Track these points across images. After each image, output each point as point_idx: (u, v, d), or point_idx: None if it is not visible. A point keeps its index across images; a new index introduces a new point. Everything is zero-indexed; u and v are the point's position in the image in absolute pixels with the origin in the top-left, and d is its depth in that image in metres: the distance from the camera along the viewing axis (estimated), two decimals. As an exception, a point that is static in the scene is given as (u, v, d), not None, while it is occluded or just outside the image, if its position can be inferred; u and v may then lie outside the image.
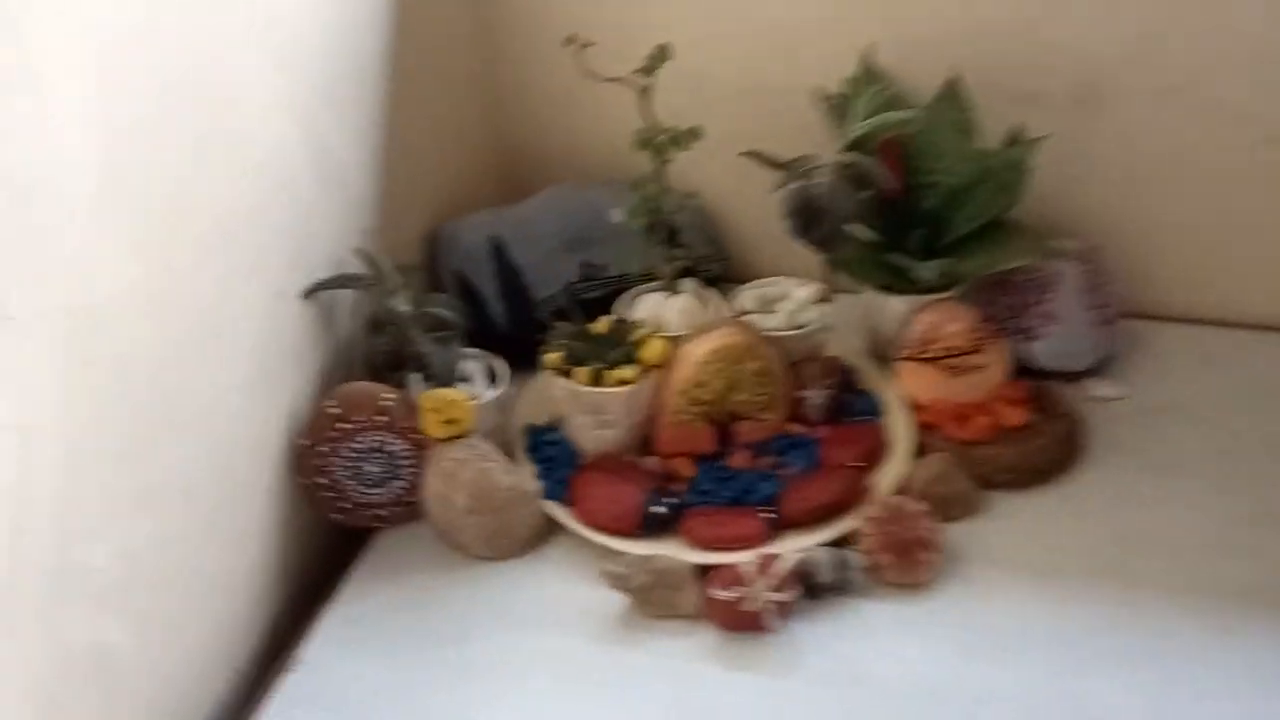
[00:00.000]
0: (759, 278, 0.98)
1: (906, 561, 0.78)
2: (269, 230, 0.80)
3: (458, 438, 0.80)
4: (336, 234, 0.89)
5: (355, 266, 0.89)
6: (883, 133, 0.88)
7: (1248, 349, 1.00)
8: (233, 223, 0.76)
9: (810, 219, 0.83)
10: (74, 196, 0.62)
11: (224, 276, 0.75)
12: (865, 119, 0.83)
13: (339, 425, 0.83)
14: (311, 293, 0.84)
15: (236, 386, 0.77)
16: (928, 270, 0.85)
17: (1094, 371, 0.98)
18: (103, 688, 0.66)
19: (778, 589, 0.75)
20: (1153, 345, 1.01)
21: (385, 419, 0.83)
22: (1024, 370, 0.95)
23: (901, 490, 0.85)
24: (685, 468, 0.88)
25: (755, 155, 0.92)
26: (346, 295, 0.90)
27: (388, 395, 0.83)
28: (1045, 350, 0.95)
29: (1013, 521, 0.84)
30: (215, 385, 0.75)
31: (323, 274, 0.86)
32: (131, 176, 0.66)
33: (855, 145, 0.84)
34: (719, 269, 1.10)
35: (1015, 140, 0.90)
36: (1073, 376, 0.97)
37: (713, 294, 0.97)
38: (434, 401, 0.79)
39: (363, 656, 0.77)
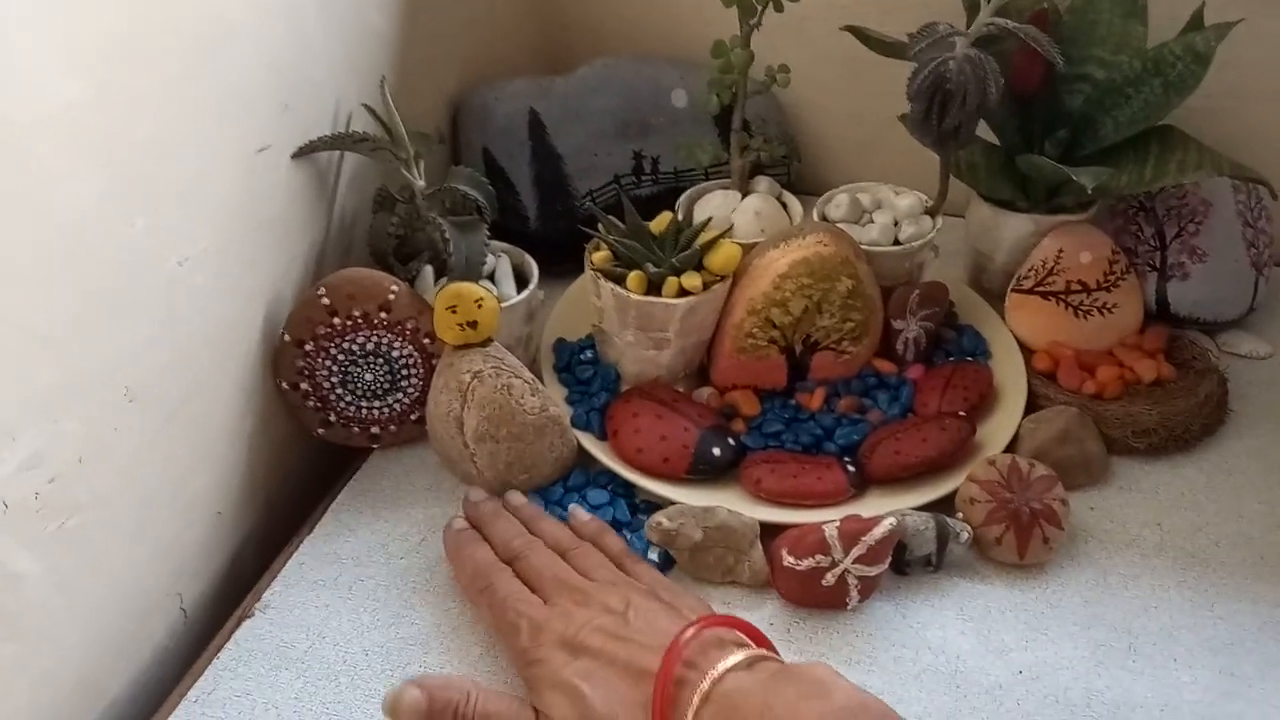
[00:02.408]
0: (833, 189, 0.80)
1: (1024, 537, 0.62)
2: (255, 66, 0.63)
3: (476, 345, 0.64)
4: (341, 82, 0.71)
5: (363, 126, 0.72)
6: (1031, 2, 0.70)
7: None
8: (207, 49, 0.59)
9: (940, 103, 0.66)
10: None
11: (190, 115, 0.58)
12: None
13: (330, 320, 0.67)
14: (305, 152, 0.68)
15: (200, 259, 0.60)
16: (1086, 176, 0.68)
17: (1237, 323, 0.81)
18: (7, 630, 0.52)
19: (866, 560, 0.60)
20: (1306, 298, 0.85)
21: (388, 316, 0.67)
22: (1160, 315, 0.79)
23: (1014, 449, 0.69)
24: (747, 404, 0.73)
25: (857, 32, 0.74)
26: (351, 161, 0.74)
27: (394, 287, 0.67)
28: (1186, 293, 0.79)
29: (1147, 495, 0.69)
30: (172, 254, 0.58)
31: (321, 131, 0.69)
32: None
33: (1000, 13, 0.66)
34: (791, 173, 0.93)
35: (1197, 24, 0.72)
36: (1213, 327, 0.81)
37: (793, 199, 0.81)
38: (451, 298, 0.63)
39: (340, 604, 0.62)
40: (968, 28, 0.67)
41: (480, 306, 0.63)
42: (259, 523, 0.70)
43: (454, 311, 0.63)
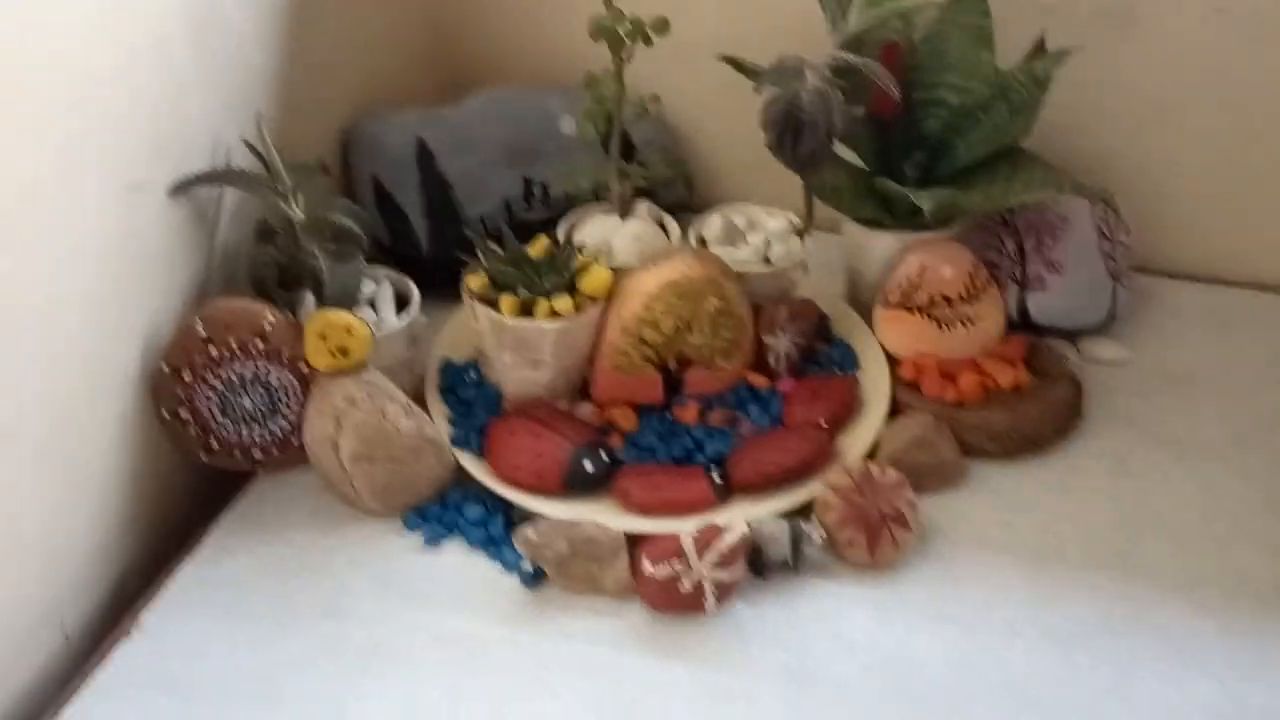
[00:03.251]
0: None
1: (874, 539, 0.66)
2: (124, 107, 0.65)
3: (349, 371, 0.67)
4: (219, 117, 0.74)
5: (244, 161, 0.74)
6: (884, 34, 0.74)
7: (1271, 314, 0.88)
8: (72, 93, 0.61)
9: (793, 131, 0.70)
10: None
11: (56, 157, 0.60)
12: (867, 8, 0.69)
13: (207, 350, 0.69)
14: (181, 189, 0.70)
15: (75, 297, 0.62)
16: (926, 199, 0.72)
17: (1098, 330, 0.86)
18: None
19: (721, 566, 0.63)
20: (1165, 305, 0.89)
21: (265, 345, 0.69)
22: (1020, 324, 0.83)
23: (874, 456, 0.72)
24: (625, 419, 0.76)
25: (733, 62, 0.78)
26: (232, 195, 0.76)
27: (269, 317, 0.69)
28: (1046, 303, 0.83)
29: (999, 496, 0.73)
30: (45, 293, 0.60)
31: (198, 167, 0.71)
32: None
33: (851, 46, 0.70)
34: (681, 195, 0.97)
35: (1038, 53, 0.76)
36: (1074, 334, 0.85)
37: (672, 221, 0.84)
38: (320, 325, 0.65)
39: (217, 626, 0.64)
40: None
41: (350, 333, 0.66)
42: (145, 548, 0.71)
43: (324, 339, 0.65)
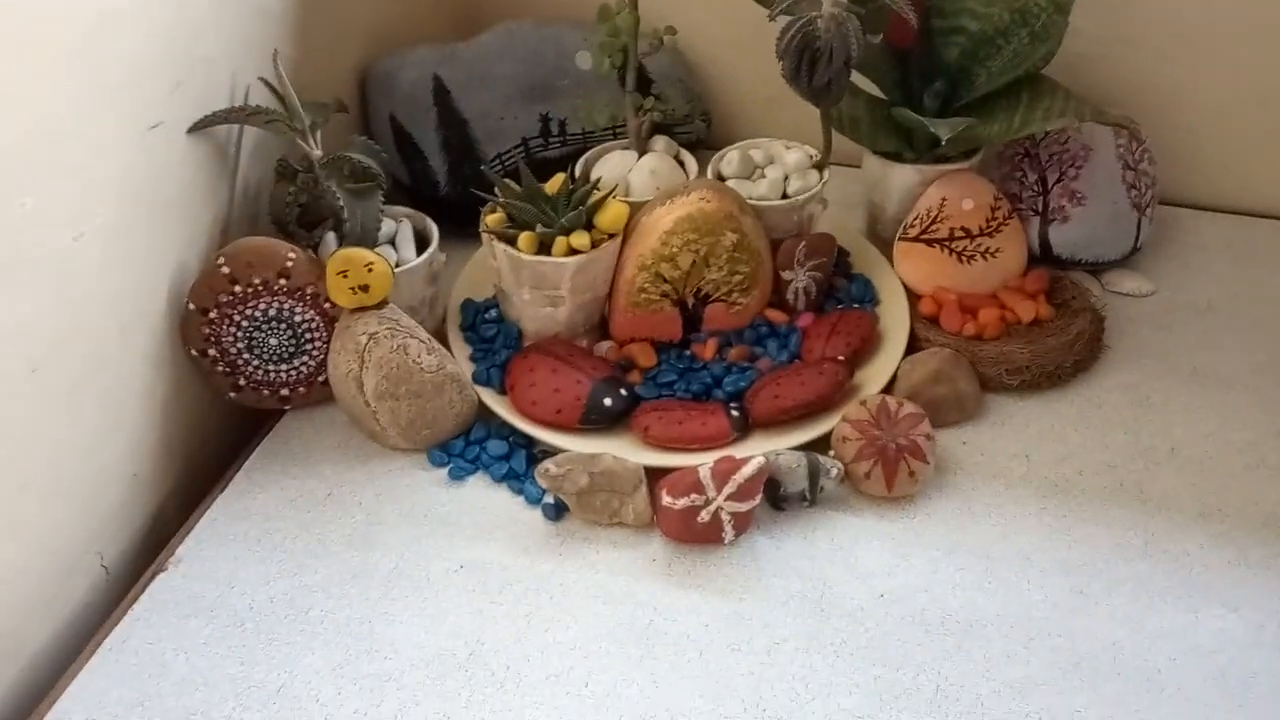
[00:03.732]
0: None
1: (890, 472, 0.66)
2: (143, 45, 0.65)
3: (370, 308, 0.68)
4: (237, 57, 0.74)
5: (262, 99, 0.74)
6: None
7: (1298, 246, 0.87)
8: (92, 31, 0.61)
9: (809, 60, 0.69)
10: None
11: (79, 96, 0.61)
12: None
13: (231, 288, 0.70)
14: (199, 127, 0.70)
15: (96, 235, 0.63)
16: (944, 128, 0.71)
17: (1121, 263, 0.85)
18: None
19: (738, 497, 0.64)
20: (1189, 237, 0.89)
21: (288, 283, 0.70)
22: (1042, 257, 0.83)
23: (892, 390, 0.73)
24: (644, 356, 0.76)
25: (747, -12, 0.77)
26: (252, 133, 0.76)
27: (291, 254, 0.70)
28: (1068, 236, 0.83)
29: (1017, 429, 0.73)
30: (66, 230, 0.61)
31: (217, 106, 0.71)
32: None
33: (867, -27, 0.69)
34: (699, 131, 0.96)
35: (1058, -24, 0.75)
36: (1097, 267, 0.84)
37: (689, 156, 0.83)
38: (341, 263, 0.66)
39: (249, 556, 0.66)
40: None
41: (371, 270, 0.66)
42: (178, 483, 0.73)
43: (345, 276, 0.66)
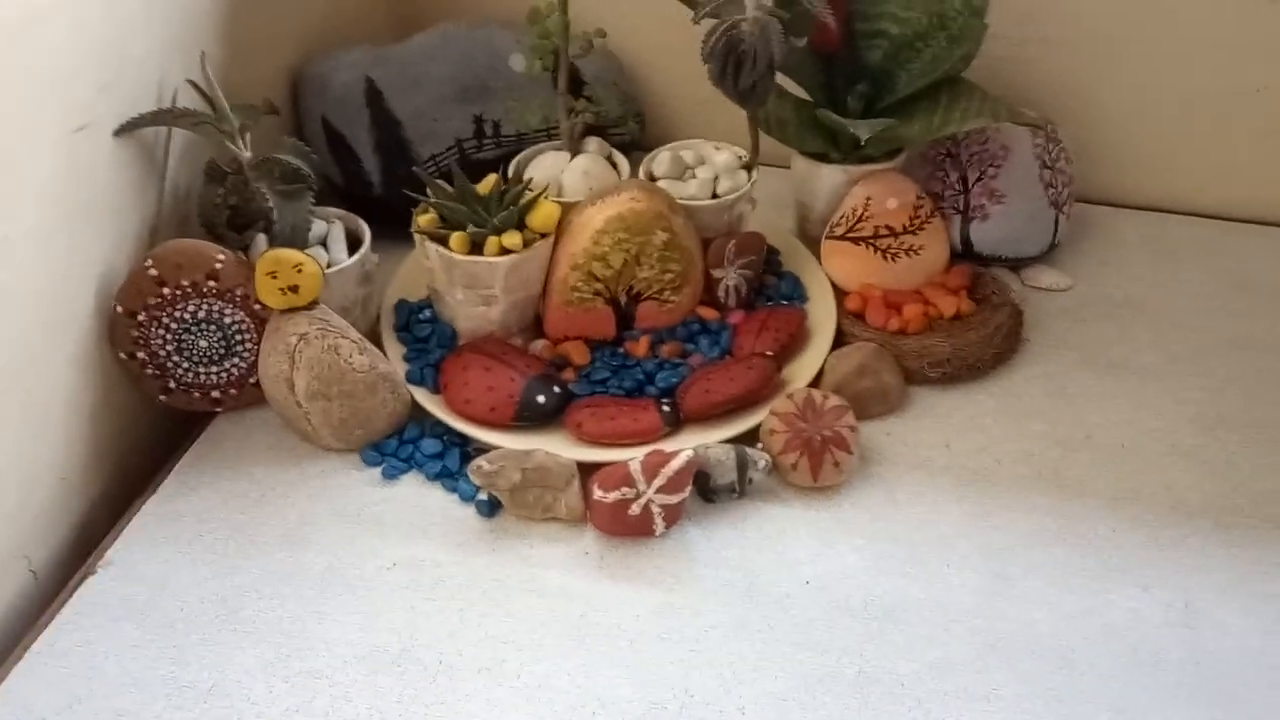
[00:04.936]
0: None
1: (816, 462, 0.68)
2: (68, 47, 0.65)
3: (301, 309, 0.68)
4: (165, 58, 0.73)
5: (191, 101, 0.74)
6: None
7: (1208, 241, 0.91)
8: (14, 33, 0.61)
9: (734, 62, 0.71)
10: None
11: (4, 92, 0.60)
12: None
13: (159, 290, 0.69)
14: (126, 130, 0.70)
15: (26, 237, 0.63)
16: (864, 128, 0.73)
17: (1040, 259, 0.88)
18: None
19: (668, 490, 0.65)
20: (1104, 233, 0.92)
21: (217, 285, 0.70)
22: (964, 254, 0.85)
23: (819, 384, 0.75)
24: (578, 354, 0.77)
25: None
26: (181, 136, 0.76)
27: (220, 256, 0.70)
28: (989, 233, 0.85)
29: (939, 420, 0.75)
30: (-8, 232, 0.61)
31: (145, 108, 0.71)
32: None
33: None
34: (633, 132, 0.97)
35: (975, -19, 0.77)
36: (1017, 263, 0.87)
37: (621, 157, 0.85)
38: (270, 264, 0.66)
39: (180, 558, 0.66)
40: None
41: (300, 271, 0.67)
42: (108, 486, 0.73)
43: (274, 277, 0.66)
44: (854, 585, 0.64)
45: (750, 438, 0.71)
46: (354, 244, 0.77)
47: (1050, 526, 0.68)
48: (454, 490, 0.70)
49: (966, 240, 0.85)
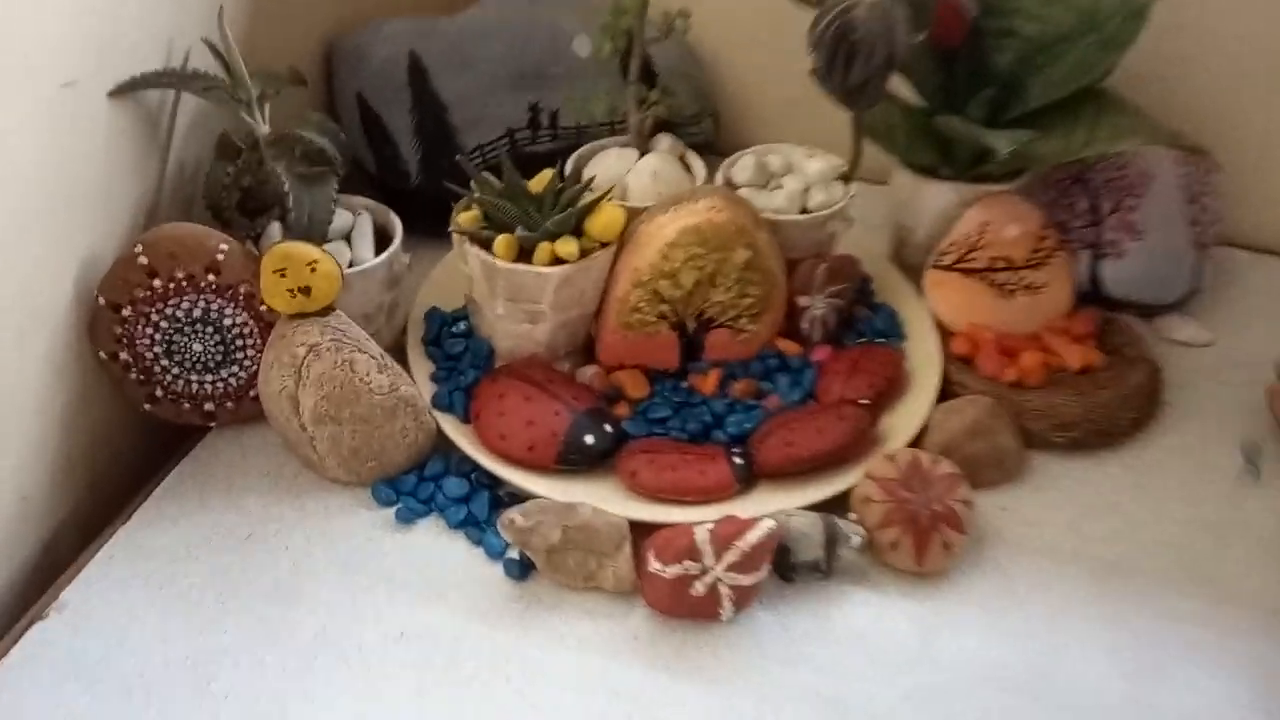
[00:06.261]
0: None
1: (922, 542, 0.56)
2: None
3: (312, 314, 0.57)
4: (176, 10, 0.63)
5: (204, 64, 0.63)
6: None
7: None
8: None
9: (846, 54, 0.59)
10: None
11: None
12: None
13: (149, 282, 0.59)
14: (125, 90, 0.59)
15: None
16: (1003, 140, 0.61)
17: (1177, 307, 0.75)
18: None
19: (741, 568, 0.53)
20: (1249, 282, 0.79)
21: (216, 279, 0.59)
22: (1092, 296, 0.73)
23: (920, 442, 0.62)
24: (635, 385, 0.66)
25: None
26: (192, 104, 0.65)
27: (223, 246, 0.59)
28: (1122, 273, 0.73)
29: (1065, 495, 0.63)
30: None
31: (149, 66, 0.60)
32: None
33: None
34: (707, 133, 0.86)
35: (1136, -25, 0.65)
36: (1153, 310, 0.74)
37: (696, 158, 0.73)
38: (279, 260, 0.55)
39: (147, 606, 0.55)
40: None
41: (314, 270, 0.55)
42: (78, 508, 0.62)
43: (283, 275, 0.55)
44: (968, 705, 0.52)
45: (837, 504, 0.59)
46: (383, 241, 0.66)
47: (1204, 639, 0.55)
48: (479, 543, 0.58)
49: (1095, 279, 0.73)
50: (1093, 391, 0.66)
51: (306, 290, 0.55)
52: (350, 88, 0.78)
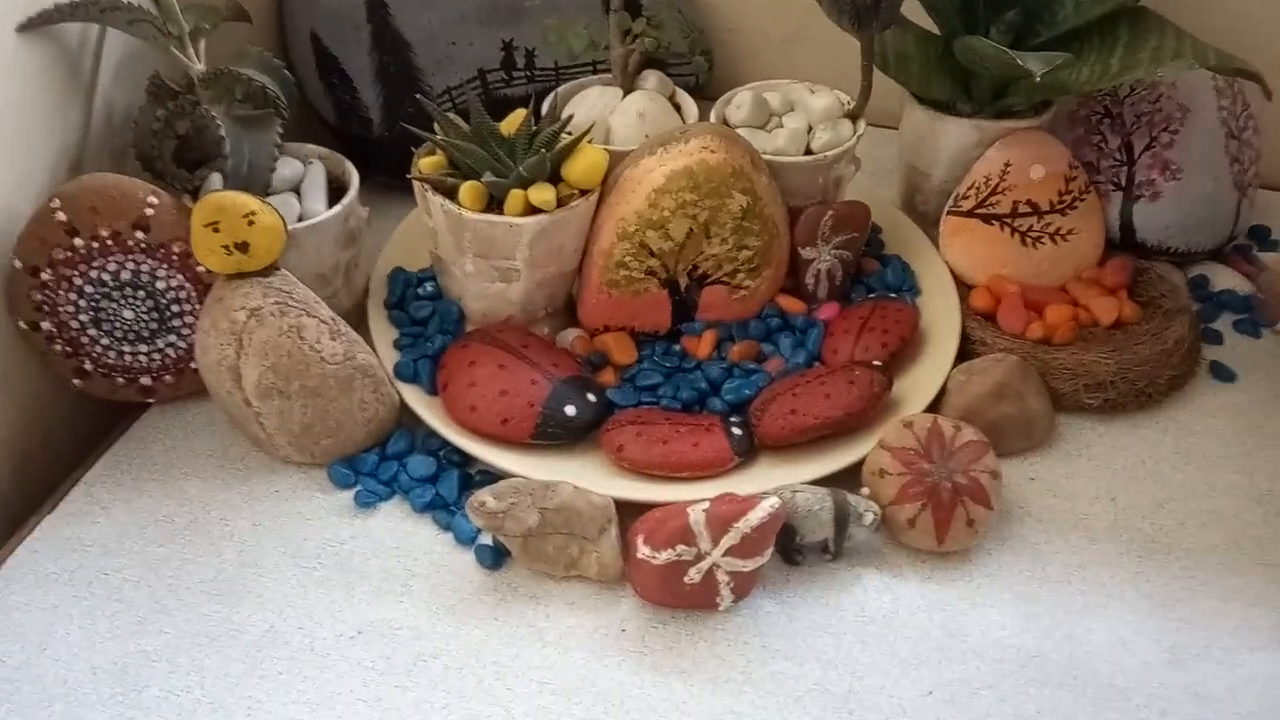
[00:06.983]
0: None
1: (943, 519, 0.50)
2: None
3: (253, 274, 0.50)
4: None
5: (130, -3, 0.56)
6: None
7: None
8: None
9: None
10: None
11: None
12: None
13: (70, 242, 0.52)
14: (37, 24, 0.52)
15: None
16: (1035, 61, 0.54)
17: (1215, 254, 0.69)
18: None
19: (740, 552, 0.47)
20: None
21: (146, 236, 0.52)
22: (1124, 243, 0.66)
23: (940, 407, 0.56)
24: (620, 350, 0.60)
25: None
26: (120, 41, 0.58)
27: (152, 199, 0.52)
28: (1158, 217, 0.66)
29: (1099, 462, 0.57)
30: None
31: (62, -2, 0.54)
32: None
33: None
34: (699, 71, 0.79)
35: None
36: (1190, 258, 0.68)
37: (687, 97, 0.66)
38: (211, 212, 0.48)
39: (73, 606, 0.49)
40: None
41: (252, 224, 0.49)
42: (2, 497, 0.56)
43: (216, 230, 0.49)
44: (995, 700, 0.46)
45: (849, 477, 0.53)
46: (337, 193, 0.59)
47: (1261, 624, 0.49)
48: (448, 528, 0.52)
49: (1127, 224, 0.66)
50: (1127, 348, 0.60)
51: (244, 246, 0.49)
52: (303, 27, 0.71)
